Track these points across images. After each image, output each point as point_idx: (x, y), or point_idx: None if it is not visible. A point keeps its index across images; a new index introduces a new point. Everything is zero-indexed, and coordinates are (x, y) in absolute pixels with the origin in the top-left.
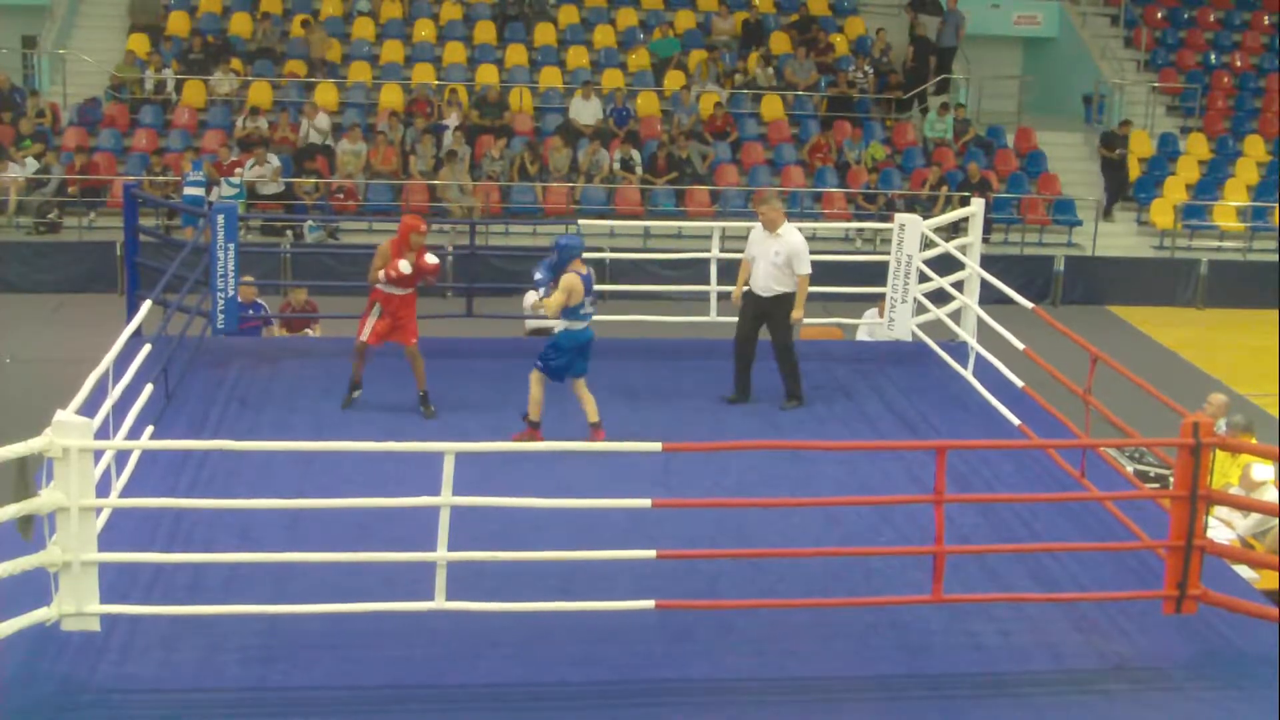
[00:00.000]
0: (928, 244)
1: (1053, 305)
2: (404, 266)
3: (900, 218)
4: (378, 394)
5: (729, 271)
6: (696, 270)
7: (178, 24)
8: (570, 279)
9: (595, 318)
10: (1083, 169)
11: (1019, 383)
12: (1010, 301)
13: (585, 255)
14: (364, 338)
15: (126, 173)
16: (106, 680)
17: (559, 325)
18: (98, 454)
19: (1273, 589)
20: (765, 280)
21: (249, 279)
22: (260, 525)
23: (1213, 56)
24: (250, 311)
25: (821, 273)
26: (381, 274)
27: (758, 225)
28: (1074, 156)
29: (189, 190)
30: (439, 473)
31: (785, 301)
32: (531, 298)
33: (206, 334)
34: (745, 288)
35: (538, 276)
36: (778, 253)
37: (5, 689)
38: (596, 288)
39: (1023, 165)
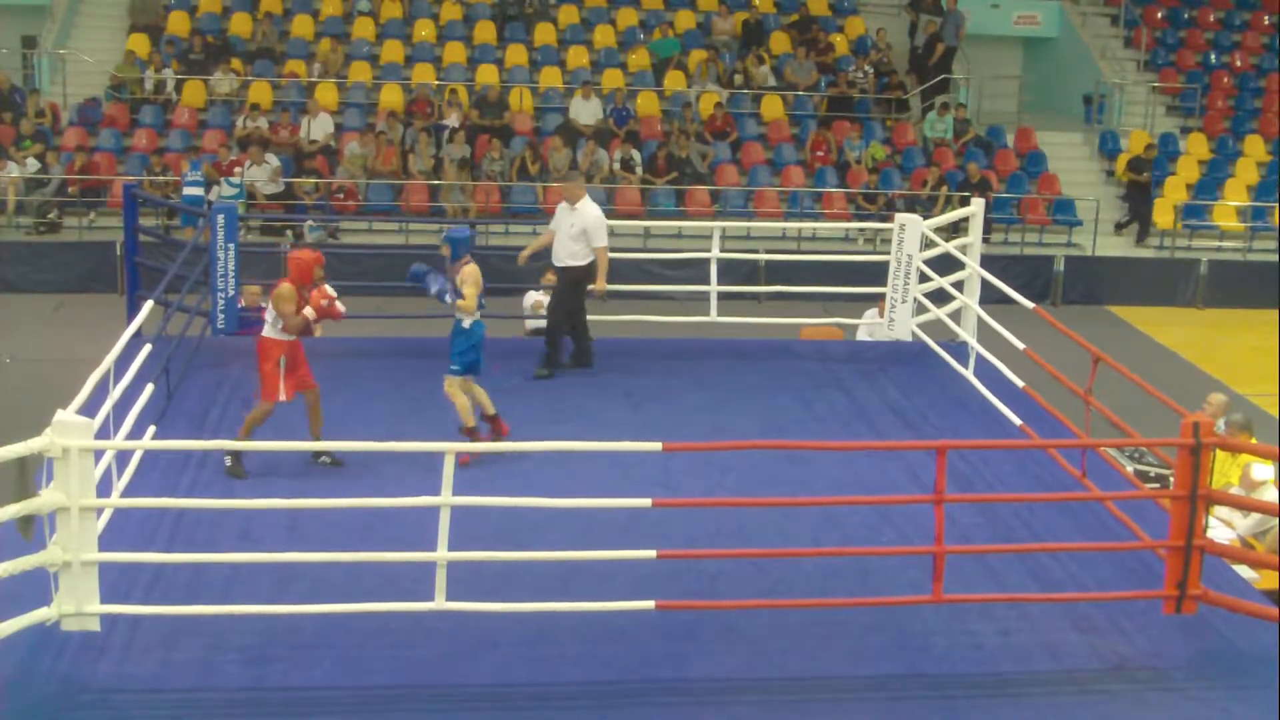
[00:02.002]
0: (928, 244)
1: (1053, 305)
2: (309, 313)
3: (900, 218)
4: (378, 394)
5: (729, 271)
6: (696, 270)
7: (178, 24)
8: (473, 270)
9: (595, 317)
10: (1083, 169)
11: (1019, 383)
12: (1010, 301)
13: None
14: (281, 397)
15: (126, 173)
16: (106, 680)
17: (469, 319)
18: (98, 454)
19: (1273, 589)
20: (561, 252)
21: (255, 285)
22: (260, 525)
23: (1213, 56)
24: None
25: (822, 273)
26: (299, 317)
27: (563, 202)
28: (1074, 156)
29: (188, 190)
30: (439, 473)
31: (574, 273)
32: (531, 297)
33: (206, 334)
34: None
35: (435, 290)
36: (573, 225)
37: (5, 689)
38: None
39: (1023, 165)
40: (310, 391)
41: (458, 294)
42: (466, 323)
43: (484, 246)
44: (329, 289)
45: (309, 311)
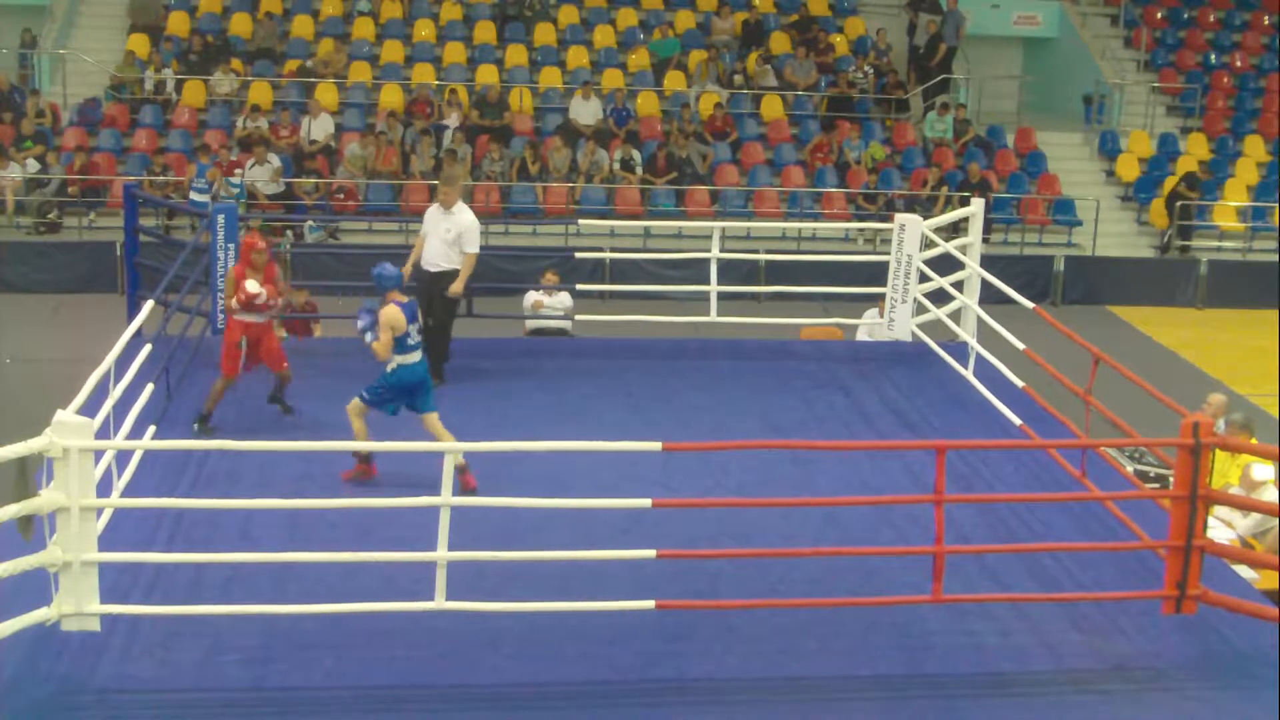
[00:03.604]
0: (928, 244)
1: (1053, 305)
2: (251, 286)
3: (900, 218)
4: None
5: (729, 271)
6: (696, 270)
7: (178, 24)
8: (390, 312)
9: (595, 317)
10: (1083, 169)
11: (1019, 383)
12: (1010, 301)
13: (585, 255)
14: (233, 378)
15: (126, 173)
16: (106, 680)
17: (391, 363)
18: (98, 454)
19: (1273, 589)
20: (434, 256)
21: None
22: (260, 525)
23: (1213, 56)
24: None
25: (821, 273)
26: (234, 302)
27: (432, 207)
28: (1074, 156)
29: (195, 196)
30: (439, 473)
31: (450, 278)
32: (531, 297)
33: (206, 334)
34: (419, 264)
35: (361, 324)
36: (449, 229)
37: (5, 689)
38: (597, 287)
39: (1023, 165)
40: (281, 373)
41: (375, 336)
42: (389, 365)
43: (484, 247)
44: (249, 286)
45: (249, 285)
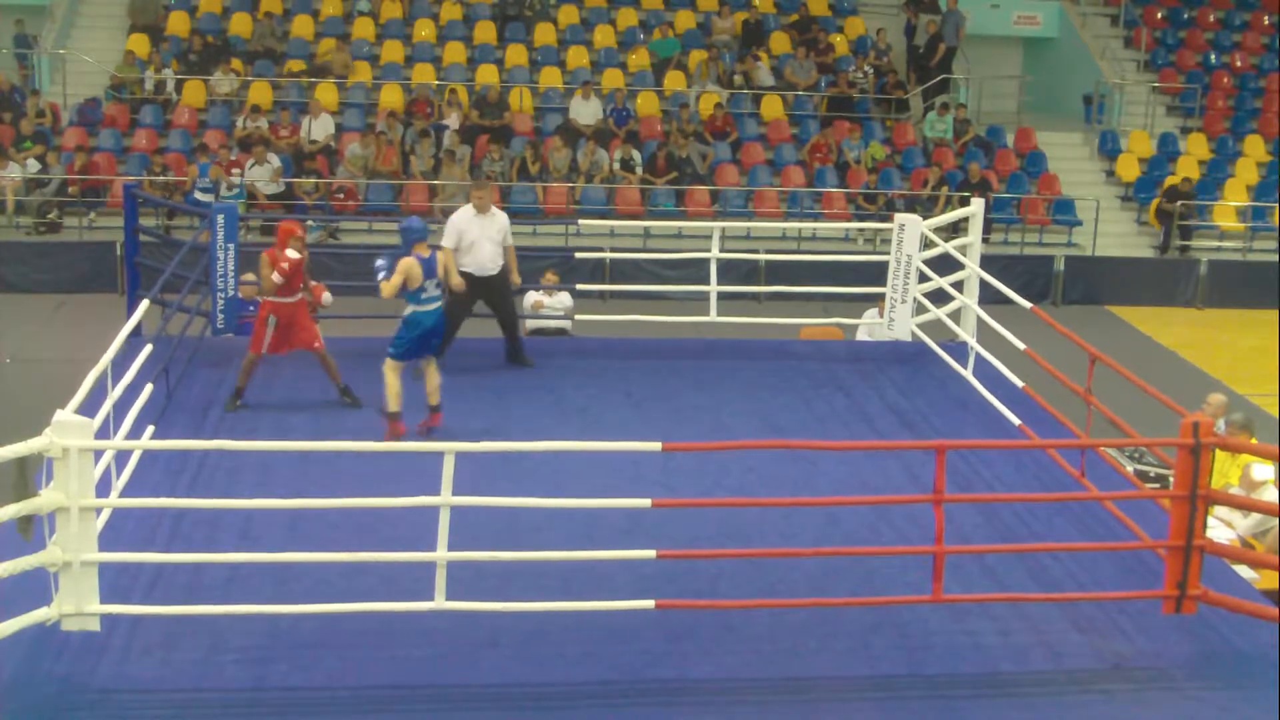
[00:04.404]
0: (928, 244)
1: (1053, 305)
2: (291, 253)
3: (900, 218)
4: (376, 395)
5: (729, 271)
6: (696, 270)
7: (178, 24)
8: (407, 262)
9: (595, 317)
10: (1083, 169)
11: (1019, 383)
12: (1010, 301)
13: (585, 255)
14: (260, 352)
15: (126, 173)
16: (106, 680)
17: (406, 309)
18: (98, 454)
19: (1273, 589)
20: (489, 260)
21: (250, 278)
22: (260, 525)
23: (1213, 56)
24: (251, 309)
25: (821, 273)
26: (276, 276)
27: (463, 212)
28: (1074, 156)
29: (199, 196)
30: (439, 473)
31: (507, 275)
32: (531, 297)
33: (206, 334)
34: (465, 272)
35: (379, 263)
36: (498, 230)
37: (5, 689)
38: (597, 287)
39: (1023, 165)
40: (314, 351)
41: (388, 277)
42: (406, 310)
43: None
44: (290, 254)
45: (275, 276)
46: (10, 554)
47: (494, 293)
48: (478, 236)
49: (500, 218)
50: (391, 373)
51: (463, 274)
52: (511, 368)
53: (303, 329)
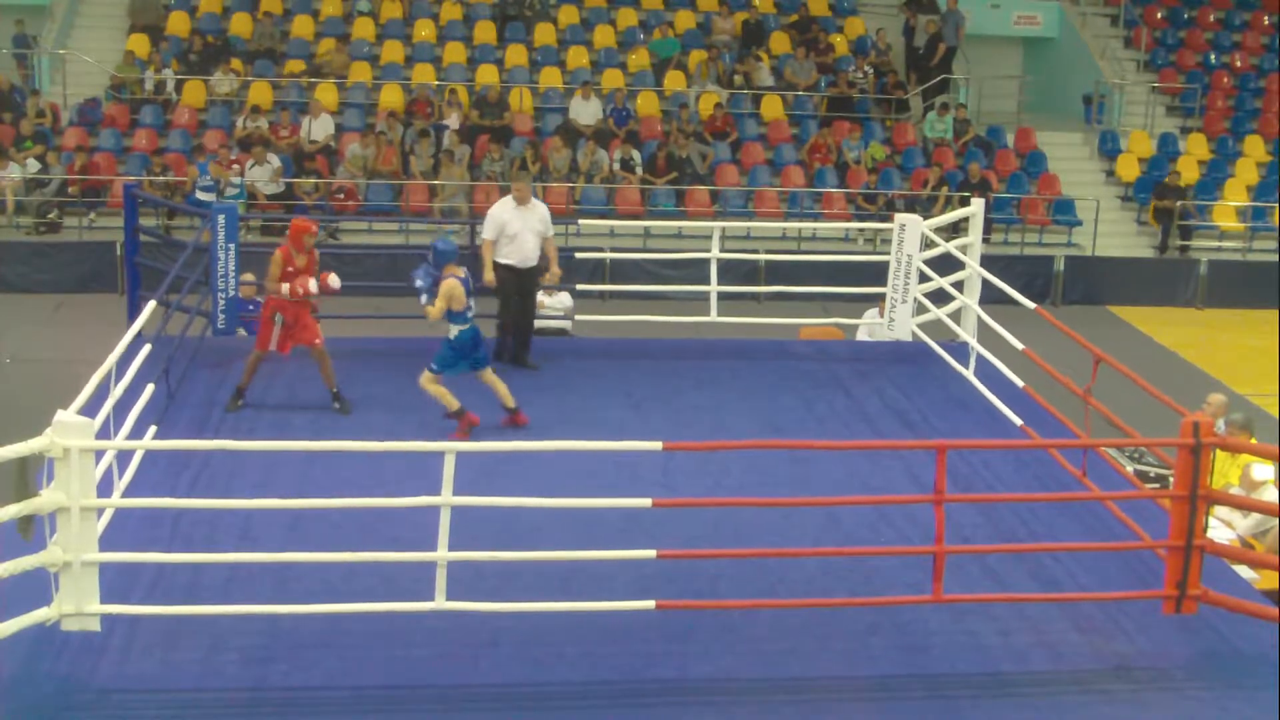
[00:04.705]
0: (928, 244)
1: (1053, 305)
2: (313, 286)
3: (900, 218)
4: (376, 395)
5: (729, 271)
6: (696, 270)
7: (178, 24)
8: (450, 285)
9: (595, 317)
10: (1083, 169)
11: (1019, 383)
12: (1011, 301)
13: (585, 255)
14: (266, 350)
15: (126, 173)
16: (106, 680)
17: (451, 331)
18: (99, 454)
19: (1273, 589)
20: (532, 252)
21: (250, 277)
22: (260, 525)
23: (1213, 56)
24: (250, 308)
25: (821, 273)
26: (285, 288)
27: (503, 204)
28: (1074, 156)
29: (200, 194)
30: (439, 473)
31: (542, 269)
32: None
33: (207, 334)
34: (507, 264)
35: (419, 284)
36: (540, 221)
37: (5, 689)
38: (597, 287)
39: (1023, 165)
40: (313, 348)
41: (430, 299)
42: (452, 333)
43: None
44: (333, 280)
45: (283, 288)
46: (10, 554)
47: (525, 288)
48: (520, 228)
49: (540, 209)
50: (432, 384)
51: (505, 265)
52: (510, 368)
53: (305, 327)
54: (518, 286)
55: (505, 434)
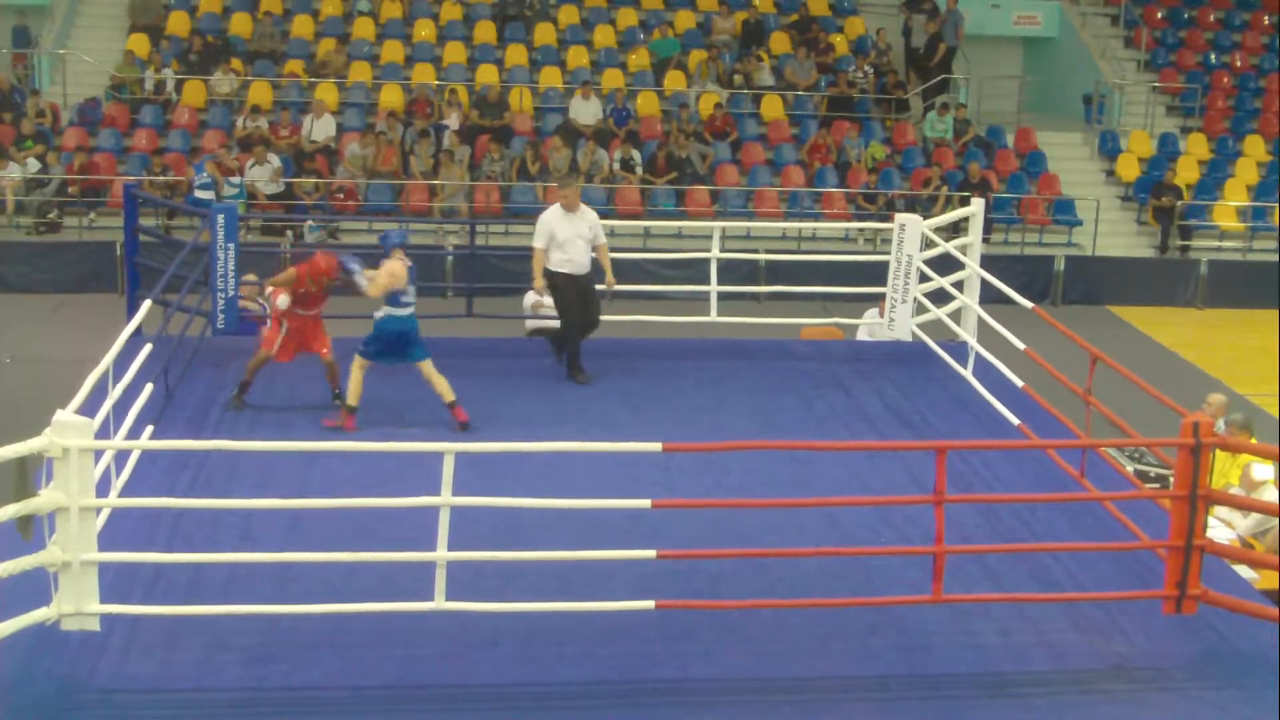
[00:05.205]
0: (928, 244)
1: (1053, 305)
2: (281, 302)
3: (900, 218)
4: (376, 395)
5: (729, 271)
6: (696, 270)
7: (178, 24)
8: (393, 263)
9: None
10: (1083, 169)
11: (1019, 383)
12: (1010, 301)
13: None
14: (271, 352)
15: (126, 173)
16: (106, 680)
17: (381, 311)
18: (98, 454)
19: (1273, 589)
20: (584, 257)
21: (251, 277)
22: (260, 525)
23: (1213, 56)
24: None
25: (822, 273)
26: (282, 300)
27: (552, 211)
28: (1074, 156)
29: (199, 194)
30: (439, 473)
31: (598, 274)
32: (531, 298)
33: (206, 334)
34: (564, 272)
35: (351, 266)
36: (589, 228)
37: (5, 689)
38: (597, 287)
39: (1023, 165)
40: (322, 358)
41: (352, 271)
42: (378, 314)
43: (484, 247)
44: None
45: (281, 300)
46: (10, 554)
47: (586, 294)
48: (570, 235)
49: (590, 215)
50: (358, 370)
51: (562, 274)
52: (510, 368)
53: (314, 338)
54: (579, 294)
55: (505, 434)
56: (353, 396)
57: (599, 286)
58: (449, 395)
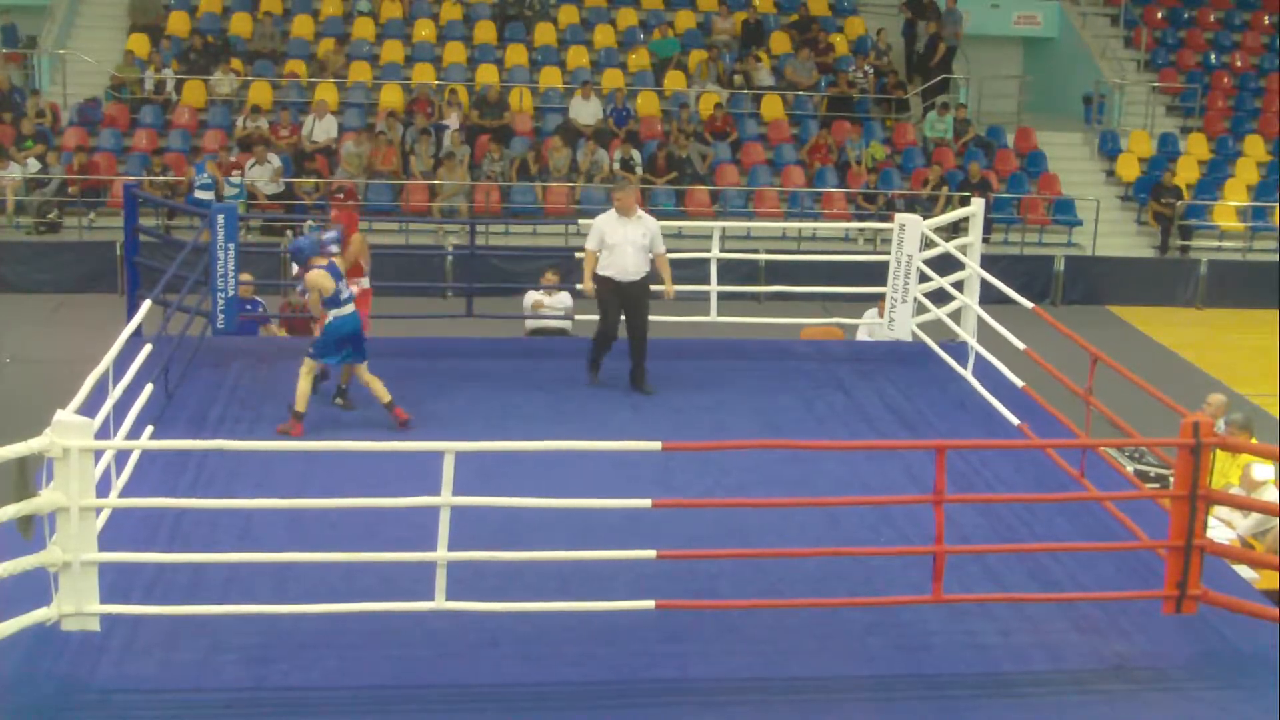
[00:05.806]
0: (928, 244)
1: (1053, 305)
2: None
3: (900, 218)
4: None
5: (729, 271)
6: (696, 270)
7: (178, 24)
8: (314, 276)
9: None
10: (1083, 169)
11: (1019, 383)
12: (1010, 301)
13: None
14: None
15: (126, 173)
16: (106, 680)
17: (327, 317)
18: (98, 454)
19: (1273, 589)
20: (635, 265)
21: (248, 277)
22: (260, 525)
23: (1213, 56)
24: (248, 307)
25: (822, 273)
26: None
27: (606, 215)
28: (1074, 156)
29: (199, 194)
30: (439, 473)
31: (648, 286)
32: (531, 297)
33: (206, 334)
34: (606, 276)
35: (299, 288)
36: (643, 234)
37: (5, 689)
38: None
39: (1023, 165)
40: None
41: (304, 292)
42: (326, 320)
43: (484, 247)
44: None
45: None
46: (10, 554)
47: (631, 302)
48: (620, 240)
49: (647, 222)
50: (307, 374)
51: (604, 278)
52: (510, 368)
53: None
54: (620, 301)
55: (505, 434)
56: (301, 401)
57: (657, 289)
58: (385, 396)
